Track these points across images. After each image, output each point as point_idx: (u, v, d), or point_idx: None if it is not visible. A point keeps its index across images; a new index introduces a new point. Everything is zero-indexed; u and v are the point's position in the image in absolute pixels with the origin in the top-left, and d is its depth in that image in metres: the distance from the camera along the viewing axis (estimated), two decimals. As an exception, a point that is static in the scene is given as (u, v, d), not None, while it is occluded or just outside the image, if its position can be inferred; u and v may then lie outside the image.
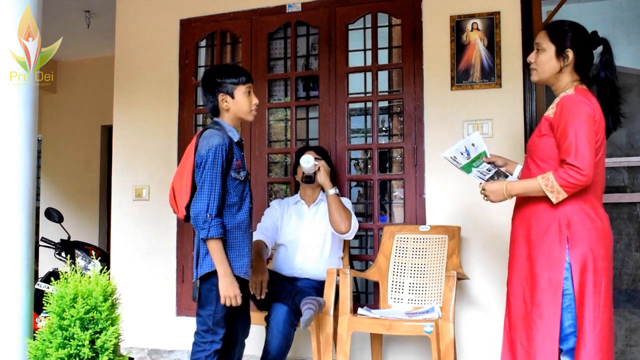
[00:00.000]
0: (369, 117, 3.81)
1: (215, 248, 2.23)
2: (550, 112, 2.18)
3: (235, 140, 2.37)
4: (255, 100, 2.42)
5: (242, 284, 2.32)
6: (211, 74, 2.46)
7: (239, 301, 2.25)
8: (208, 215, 2.22)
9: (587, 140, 2.05)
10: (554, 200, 2.08)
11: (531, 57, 2.30)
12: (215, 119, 2.42)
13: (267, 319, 2.83)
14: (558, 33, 2.23)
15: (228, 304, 2.24)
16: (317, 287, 3.02)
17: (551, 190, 2.07)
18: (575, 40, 2.21)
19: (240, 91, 2.38)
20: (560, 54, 2.21)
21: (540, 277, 2.13)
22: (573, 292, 2.08)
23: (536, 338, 2.11)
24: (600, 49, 2.25)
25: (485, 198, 2.31)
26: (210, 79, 2.41)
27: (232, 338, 2.40)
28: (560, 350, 2.12)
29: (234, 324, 2.40)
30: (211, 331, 2.28)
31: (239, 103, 2.38)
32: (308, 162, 3.06)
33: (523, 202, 2.26)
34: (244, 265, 2.32)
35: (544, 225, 2.15)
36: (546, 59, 2.23)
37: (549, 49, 2.23)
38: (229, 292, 2.22)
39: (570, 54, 2.20)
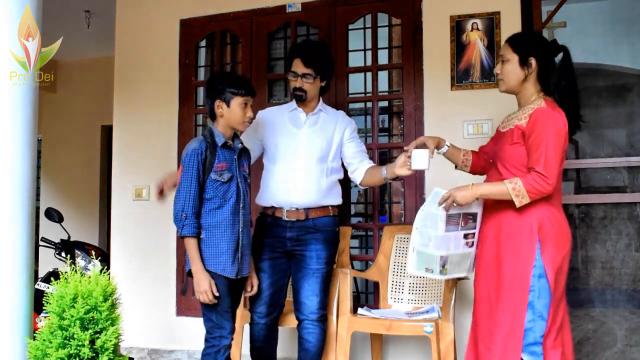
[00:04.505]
0: (369, 117, 3.80)
1: (188, 245, 2.38)
2: (523, 121, 2.27)
3: (219, 144, 2.44)
4: (249, 114, 2.48)
5: (222, 281, 2.41)
6: (215, 78, 2.59)
7: (210, 297, 2.35)
8: (183, 215, 2.36)
9: (556, 153, 2.17)
10: (517, 204, 2.18)
11: (497, 69, 2.40)
12: (210, 124, 2.53)
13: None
14: (519, 43, 2.34)
15: (202, 300, 2.36)
16: (324, 227, 2.78)
17: (517, 194, 2.17)
18: (537, 49, 2.32)
19: (236, 102, 2.45)
20: (524, 62, 2.31)
21: (507, 276, 2.23)
22: (537, 289, 2.18)
23: (499, 334, 2.22)
24: (560, 56, 2.35)
25: (449, 200, 2.29)
26: (212, 83, 2.52)
27: None
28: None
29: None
30: (217, 327, 2.40)
31: (233, 113, 2.46)
32: (423, 158, 2.50)
33: (494, 205, 2.32)
34: (220, 263, 2.40)
35: (516, 227, 2.25)
36: (511, 68, 2.33)
37: (513, 59, 2.32)
38: (198, 287, 2.35)
39: (533, 62, 2.30)
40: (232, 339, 2.44)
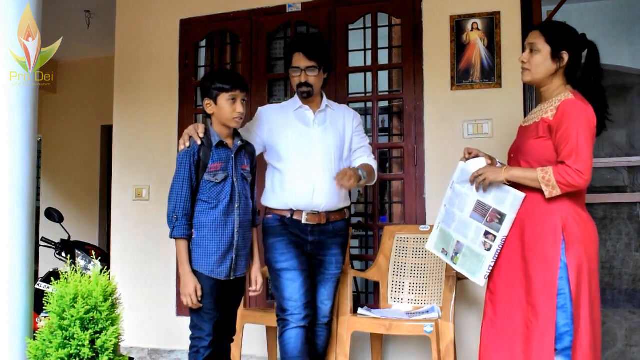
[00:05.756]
0: (369, 117, 3.81)
1: (178, 247, 2.38)
2: (549, 114, 2.16)
3: (214, 143, 2.41)
4: (239, 109, 2.40)
5: (207, 282, 2.37)
6: (204, 78, 2.55)
7: (194, 300, 2.33)
8: (174, 216, 2.35)
9: (588, 145, 2.06)
10: (547, 195, 2.08)
11: (524, 57, 2.27)
12: (209, 125, 2.49)
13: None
14: (553, 34, 2.22)
15: (185, 303, 2.35)
16: (342, 231, 2.75)
17: (546, 184, 2.08)
18: (570, 42, 2.21)
19: (223, 98, 2.40)
20: (555, 55, 2.20)
21: (536, 278, 2.12)
22: (568, 292, 2.08)
23: (533, 338, 2.11)
24: (586, 52, 2.25)
25: (480, 177, 2.23)
26: (202, 83, 2.51)
27: None
28: (555, 350, 2.11)
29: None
30: (197, 327, 2.39)
31: (221, 109, 2.41)
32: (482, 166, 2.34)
33: None
34: (209, 264, 2.37)
35: (539, 226, 2.14)
36: (541, 60, 2.21)
37: (544, 49, 2.21)
38: (184, 289, 2.34)
39: (565, 56, 2.19)
40: (211, 341, 2.37)
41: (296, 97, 2.76)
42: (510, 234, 2.22)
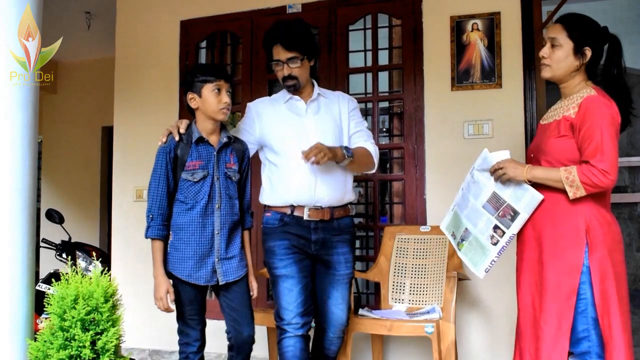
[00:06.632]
0: (369, 118, 3.80)
1: (152, 248, 2.30)
2: (571, 112, 2.06)
3: (194, 140, 2.29)
4: (225, 100, 2.27)
5: (187, 287, 2.28)
6: (186, 73, 2.44)
7: (165, 304, 2.23)
8: (150, 216, 2.30)
9: (613, 143, 1.97)
10: (571, 196, 1.98)
11: (544, 52, 2.15)
12: (194, 122, 2.38)
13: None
14: (576, 29, 2.11)
15: (158, 307, 2.25)
16: (347, 228, 2.58)
17: (570, 184, 1.97)
18: (593, 37, 2.11)
19: (207, 89, 2.27)
20: (578, 51, 2.10)
21: (550, 282, 2.04)
22: (590, 297, 1.99)
23: (543, 346, 2.03)
24: (607, 45, 2.16)
25: (500, 171, 2.12)
26: (185, 79, 2.39)
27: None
28: (571, 354, 2.04)
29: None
30: (183, 333, 2.36)
31: (206, 102, 2.28)
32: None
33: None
34: (185, 268, 2.26)
35: (560, 229, 2.05)
36: (563, 56, 2.11)
37: (566, 45, 2.10)
38: (155, 292, 2.24)
39: (588, 52, 2.09)
40: (199, 346, 2.35)
41: (285, 90, 2.59)
42: (527, 237, 2.14)
